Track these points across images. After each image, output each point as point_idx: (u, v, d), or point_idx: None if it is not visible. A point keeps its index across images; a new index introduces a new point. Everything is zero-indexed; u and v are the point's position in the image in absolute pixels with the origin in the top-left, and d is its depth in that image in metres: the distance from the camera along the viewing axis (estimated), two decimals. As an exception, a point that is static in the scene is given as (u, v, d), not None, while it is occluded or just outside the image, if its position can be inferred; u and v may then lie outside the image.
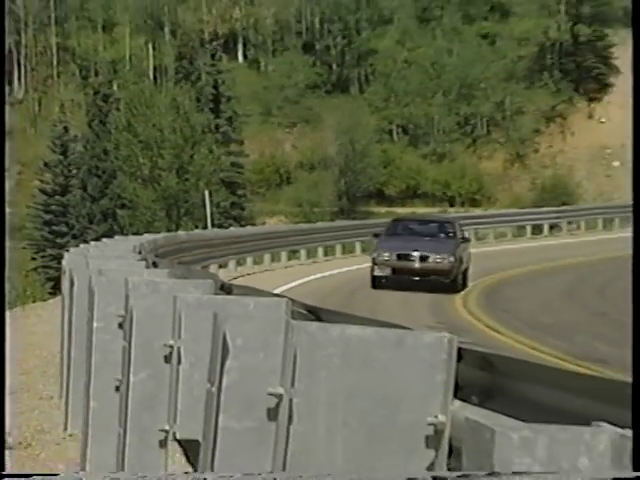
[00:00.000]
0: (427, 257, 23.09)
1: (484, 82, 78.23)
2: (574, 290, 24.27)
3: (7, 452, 7.95)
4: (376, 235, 25.20)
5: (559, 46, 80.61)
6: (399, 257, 23.15)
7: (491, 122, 78.45)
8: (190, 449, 5.92)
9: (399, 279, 22.85)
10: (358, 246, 33.56)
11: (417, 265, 23.12)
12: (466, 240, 24.78)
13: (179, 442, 5.45)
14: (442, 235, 24.35)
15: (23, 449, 8.12)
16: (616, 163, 77.85)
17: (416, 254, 23.16)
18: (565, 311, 20.62)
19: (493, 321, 18.23)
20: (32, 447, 8.17)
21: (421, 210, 63.01)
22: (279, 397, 3.45)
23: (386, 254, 23.16)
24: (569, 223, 44.55)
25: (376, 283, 23.03)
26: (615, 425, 2.19)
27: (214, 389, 3.75)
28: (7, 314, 21.64)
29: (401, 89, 78.11)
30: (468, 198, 72.87)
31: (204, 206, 48.85)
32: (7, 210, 61.22)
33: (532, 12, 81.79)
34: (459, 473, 2.03)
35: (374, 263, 23.31)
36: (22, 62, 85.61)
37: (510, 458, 2.17)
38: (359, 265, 27.33)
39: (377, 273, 23.11)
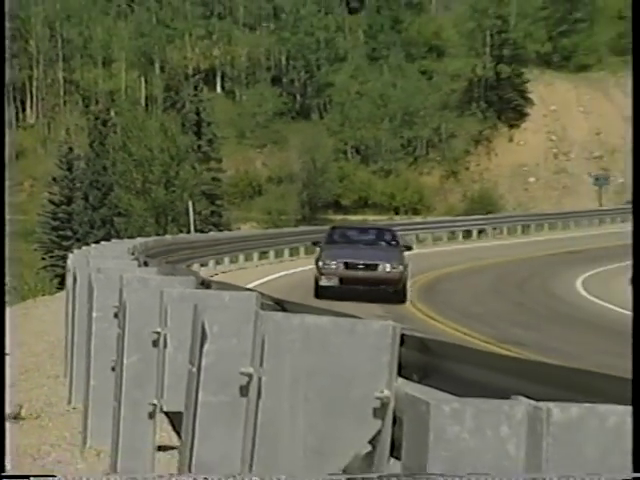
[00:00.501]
0: (376, 266, 19.31)
1: (423, 111, 78.47)
2: (498, 285, 24.34)
3: (18, 424, 7.86)
4: (315, 243, 21.50)
5: (485, 81, 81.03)
6: (347, 266, 19.30)
7: (429, 144, 78.73)
8: (175, 419, 5.87)
9: (346, 289, 19.03)
10: (318, 248, 33.47)
11: (366, 274, 19.28)
12: (407, 248, 20.94)
13: (166, 414, 5.40)
14: (384, 243, 20.74)
15: (33, 420, 8.04)
16: (532, 179, 78.28)
17: (365, 263, 19.38)
18: (490, 302, 20.67)
19: (432, 311, 18.23)
20: (41, 418, 8.09)
21: (371, 218, 63.04)
22: (249, 376, 3.43)
23: (333, 263, 19.27)
24: (494, 229, 44.73)
25: (320, 293, 19.03)
26: (530, 398, 2.19)
27: (194, 369, 3.72)
28: (21, 305, 21.44)
29: (354, 116, 78.18)
30: (410, 207, 73.04)
31: (188, 214, 48.65)
32: (21, 217, 60.68)
33: (462, 53, 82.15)
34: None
35: (320, 273, 19.29)
36: (34, 93, 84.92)
37: (443, 426, 2.17)
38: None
39: (324, 283, 19.15)
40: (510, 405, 2.16)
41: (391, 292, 19.25)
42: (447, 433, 2.17)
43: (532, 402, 2.13)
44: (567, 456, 2.00)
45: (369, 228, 23.03)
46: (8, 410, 7.81)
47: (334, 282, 19.21)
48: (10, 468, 6.12)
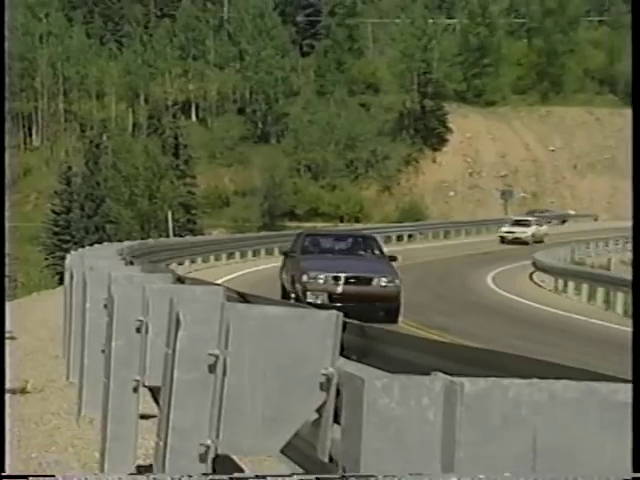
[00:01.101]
0: (370, 280, 14.03)
1: (363, 137, 78.84)
2: (423, 279, 24.47)
3: (24, 397, 7.73)
4: (286, 254, 15.73)
5: (413, 113, 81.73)
6: (336, 280, 13.99)
7: (368, 164, 79.07)
8: (156, 392, 5.81)
9: (335, 306, 11.99)
10: (276, 249, 33.46)
11: (359, 290, 13.93)
12: (392, 259, 15.31)
13: (148, 388, 5.34)
14: (367, 253, 15.34)
15: (37, 393, 7.93)
16: (451, 193, 79.06)
17: (356, 276, 14.07)
18: (417, 294, 20.74)
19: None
20: (44, 392, 7.98)
21: (320, 224, 63.01)
22: (216, 357, 3.41)
23: (321, 277, 13.86)
24: (421, 234, 45.04)
25: None
26: (446, 373, 2.20)
27: (170, 351, 3.70)
28: (27, 297, 21.13)
29: (306, 141, 78.32)
30: (353, 216, 73.25)
31: (167, 222, 48.33)
32: (27, 224, 59.79)
33: (394, 90, 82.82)
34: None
35: (305, 289, 13.86)
36: (39, 121, 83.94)
37: (375, 398, 2.17)
38: (277, 263, 27.17)
39: (311, 300, 13.59)
40: (430, 380, 2.17)
41: (391, 309, 13.97)
42: (378, 403, 2.17)
43: (448, 377, 2.14)
44: (476, 422, 2.01)
45: (348, 235, 17.34)
46: (14, 385, 7.68)
47: (322, 299, 13.78)
48: (16, 434, 6.01)
